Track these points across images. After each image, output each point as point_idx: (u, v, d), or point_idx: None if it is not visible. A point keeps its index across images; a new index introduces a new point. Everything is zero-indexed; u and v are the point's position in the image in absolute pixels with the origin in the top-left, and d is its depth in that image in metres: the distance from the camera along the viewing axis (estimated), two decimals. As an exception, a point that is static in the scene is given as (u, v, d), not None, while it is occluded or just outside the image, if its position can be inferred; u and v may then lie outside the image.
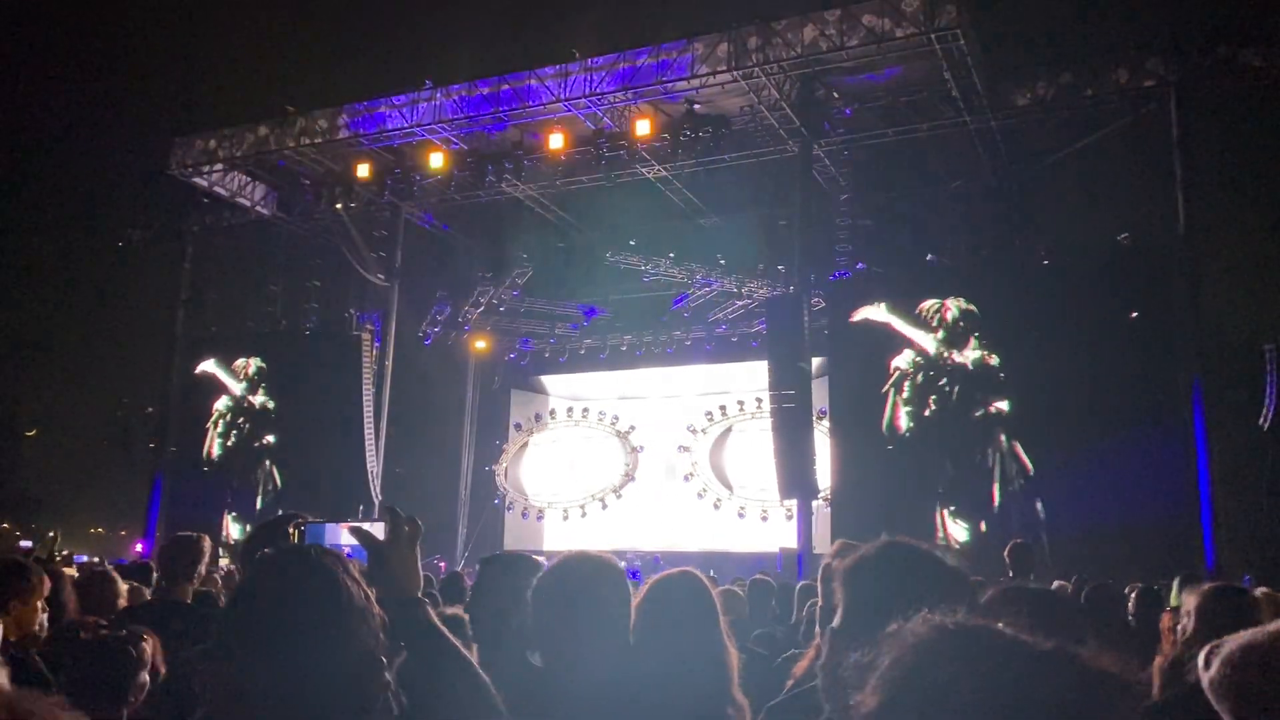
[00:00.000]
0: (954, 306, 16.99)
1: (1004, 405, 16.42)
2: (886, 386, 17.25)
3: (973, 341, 16.78)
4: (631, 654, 2.23)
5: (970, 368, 16.71)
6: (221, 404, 23.12)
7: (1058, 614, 2.04)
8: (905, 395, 17.12)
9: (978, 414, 16.54)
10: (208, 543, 4.64)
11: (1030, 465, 15.97)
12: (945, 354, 16.89)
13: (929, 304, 17.15)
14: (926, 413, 16.96)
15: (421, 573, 1.88)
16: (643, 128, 17.91)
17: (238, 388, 22.98)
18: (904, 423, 17.07)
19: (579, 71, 18.13)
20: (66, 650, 2.87)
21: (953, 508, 16.35)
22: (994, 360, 16.62)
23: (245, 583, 1.65)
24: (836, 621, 1.69)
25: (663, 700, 2.09)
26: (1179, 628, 2.96)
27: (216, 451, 22.93)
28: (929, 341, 17.09)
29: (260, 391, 22.82)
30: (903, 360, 17.29)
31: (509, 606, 2.69)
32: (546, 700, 2.05)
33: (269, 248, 24.04)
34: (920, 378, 17.08)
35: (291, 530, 2.47)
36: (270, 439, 22.47)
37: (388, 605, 1.74)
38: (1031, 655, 0.96)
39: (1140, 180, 16.75)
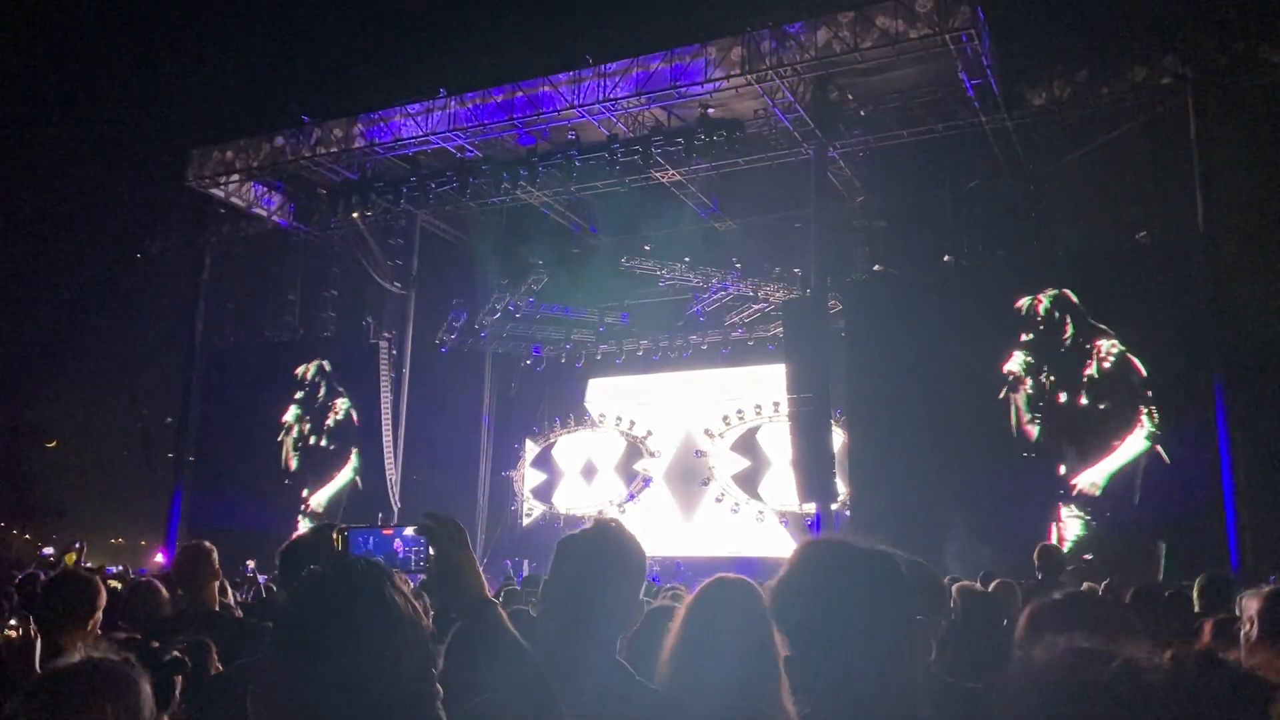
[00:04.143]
0: (1045, 299, 16.54)
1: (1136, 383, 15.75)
2: (1003, 395, 16.71)
3: (1070, 329, 16.33)
4: (680, 657, 2.24)
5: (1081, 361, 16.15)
6: (290, 415, 23.17)
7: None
8: (1024, 402, 16.53)
9: (1103, 406, 15.90)
10: (211, 546, 4.71)
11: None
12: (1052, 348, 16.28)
13: (1024, 301, 16.79)
14: (1056, 413, 16.29)
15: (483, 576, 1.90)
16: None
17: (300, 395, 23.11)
18: (1034, 430, 16.46)
19: (592, 77, 18.17)
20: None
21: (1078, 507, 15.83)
22: (1107, 345, 15.96)
23: (291, 600, 1.65)
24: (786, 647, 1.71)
25: (712, 704, 2.09)
26: (1242, 633, 2.90)
27: (295, 464, 22.96)
28: (1033, 339, 16.58)
29: (323, 391, 22.87)
30: (1015, 364, 16.74)
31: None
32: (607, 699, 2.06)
33: (286, 257, 24.16)
34: (1034, 379, 16.56)
35: (334, 536, 2.45)
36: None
37: (462, 610, 1.77)
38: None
39: (1158, 178, 16.64)
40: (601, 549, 2.25)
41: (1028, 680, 0.99)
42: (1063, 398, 16.30)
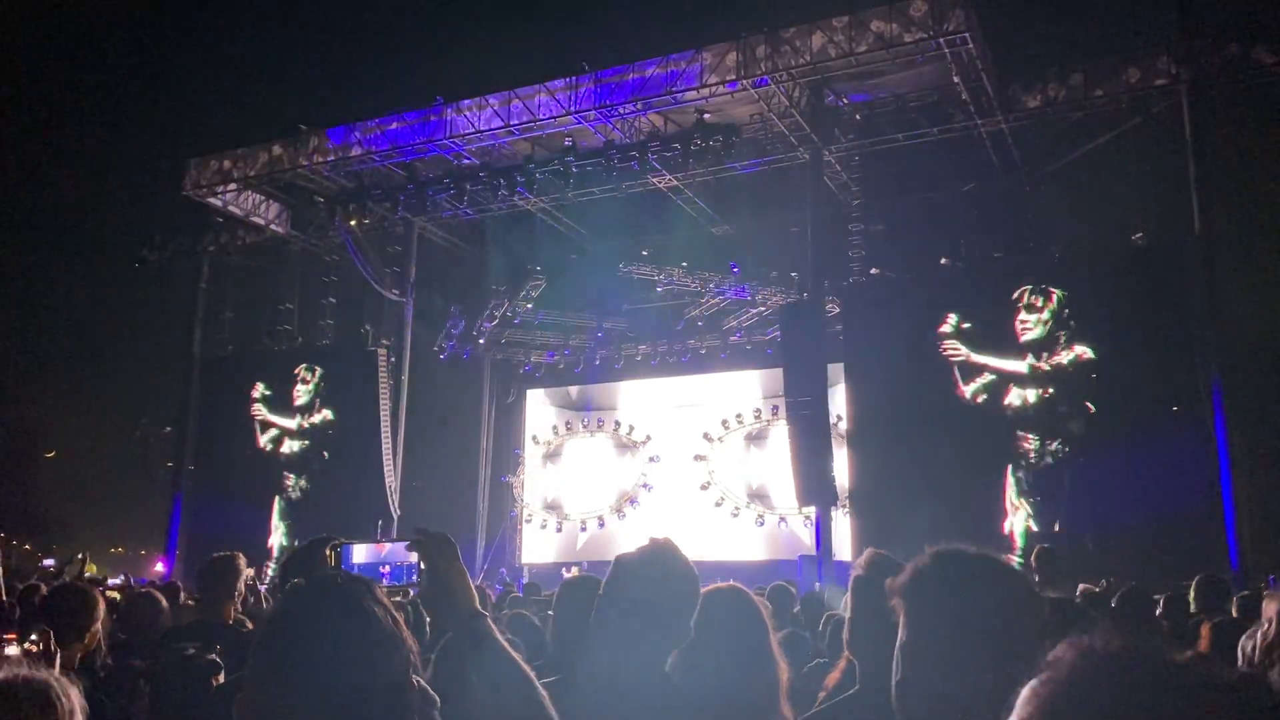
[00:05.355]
0: (1058, 294, 16.55)
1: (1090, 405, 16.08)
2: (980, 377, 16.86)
3: (1067, 332, 16.37)
4: (680, 665, 2.26)
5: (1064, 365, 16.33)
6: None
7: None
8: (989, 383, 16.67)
9: (1062, 408, 16.20)
10: (244, 560, 4.69)
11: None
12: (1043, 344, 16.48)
13: (1029, 289, 16.77)
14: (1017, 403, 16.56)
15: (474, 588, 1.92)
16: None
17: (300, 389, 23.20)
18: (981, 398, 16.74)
19: (589, 84, 18.21)
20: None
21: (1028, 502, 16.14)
22: (1087, 355, 16.17)
23: (274, 612, 1.68)
24: (902, 637, 1.67)
25: (711, 713, 2.11)
26: (1259, 634, 2.98)
27: (267, 445, 23.04)
28: (1030, 324, 16.70)
29: (314, 396, 22.95)
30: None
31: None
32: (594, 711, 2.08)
33: (284, 265, 24.19)
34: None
35: (328, 552, 2.46)
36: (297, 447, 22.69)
37: (453, 622, 1.79)
38: (1215, 687, 0.85)
39: (1154, 180, 16.68)
40: (660, 569, 2.27)
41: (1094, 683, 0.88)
42: (1030, 394, 16.51)
